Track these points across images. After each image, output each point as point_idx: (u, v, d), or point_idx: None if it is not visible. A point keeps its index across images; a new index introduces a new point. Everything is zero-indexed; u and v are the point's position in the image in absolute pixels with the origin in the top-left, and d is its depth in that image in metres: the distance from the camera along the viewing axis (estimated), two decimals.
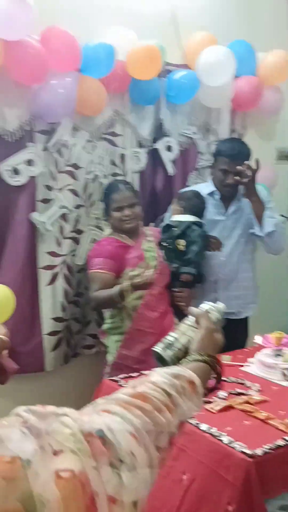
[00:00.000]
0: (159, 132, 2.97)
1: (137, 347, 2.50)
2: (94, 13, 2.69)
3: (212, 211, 2.79)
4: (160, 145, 2.96)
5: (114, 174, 2.83)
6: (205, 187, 2.84)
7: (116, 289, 2.34)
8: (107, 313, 2.59)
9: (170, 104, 2.97)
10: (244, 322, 2.93)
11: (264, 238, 2.70)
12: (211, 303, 1.25)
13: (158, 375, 0.91)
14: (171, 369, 0.96)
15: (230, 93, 3.07)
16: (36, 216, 2.55)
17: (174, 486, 1.73)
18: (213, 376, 1.08)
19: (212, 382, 1.08)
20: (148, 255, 2.56)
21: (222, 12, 3.20)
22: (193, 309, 1.21)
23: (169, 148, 3.00)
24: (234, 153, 2.66)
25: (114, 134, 2.81)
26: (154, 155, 2.97)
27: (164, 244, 2.63)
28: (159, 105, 2.93)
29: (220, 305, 1.25)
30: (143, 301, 2.51)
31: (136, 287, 2.31)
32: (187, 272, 2.60)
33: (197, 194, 2.72)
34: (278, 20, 3.46)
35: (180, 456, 1.74)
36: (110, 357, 2.55)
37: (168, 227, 2.65)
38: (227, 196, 2.78)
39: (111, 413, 0.74)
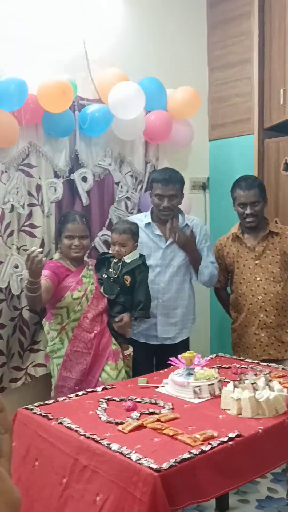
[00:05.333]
0: (75, 163, 3.06)
1: (76, 368, 2.66)
2: (7, 48, 2.77)
3: (151, 241, 2.98)
4: (75, 176, 3.05)
5: (31, 204, 2.88)
6: (143, 218, 3.04)
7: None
8: (48, 335, 2.72)
9: (85, 136, 3.07)
10: (181, 346, 3.04)
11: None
12: None
13: None
14: None
15: (142, 126, 3.22)
16: None
17: (88, 508, 1.74)
18: None
19: None
20: (85, 280, 2.74)
21: (132, 51, 3.37)
22: None
23: (84, 179, 3.09)
24: (165, 177, 2.91)
25: (29, 165, 2.87)
26: (70, 186, 3.05)
27: (105, 275, 2.82)
28: (74, 137, 3.03)
29: None
30: (78, 323, 2.68)
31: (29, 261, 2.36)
32: (142, 316, 2.85)
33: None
34: (185, 58, 3.69)
35: (93, 478, 1.77)
36: (54, 381, 2.70)
37: (105, 260, 2.87)
38: (165, 220, 2.95)
39: None
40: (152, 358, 3.11)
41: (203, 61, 3.86)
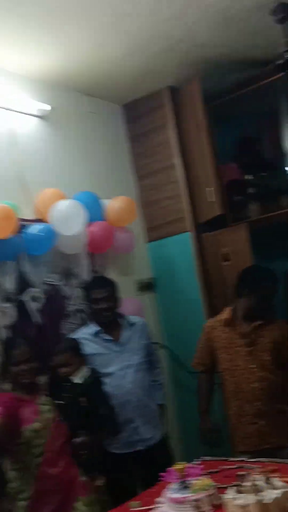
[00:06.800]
0: (23, 283, 3.01)
1: (44, 510, 2.37)
2: None
3: (103, 348, 2.95)
4: (25, 297, 2.99)
5: None
6: (88, 330, 3.02)
7: None
8: (10, 474, 2.43)
9: (31, 256, 3.05)
10: (164, 445, 2.97)
11: None
12: None
13: None
14: None
15: (84, 238, 3.27)
16: None
17: None
18: None
19: None
20: (44, 408, 2.54)
21: (64, 170, 3.51)
22: None
23: (34, 298, 3.04)
24: (97, 282, 3.13)
25: None
26: (21, 307, 2.98)
27: (60, 401, 2.61)
28: (20, 259, 3.00)
29: None
30: (43, 458, 2.42)
31: None
32: (112, 430, 2.76)
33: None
34: (114, 170, 3.91)
35: None
36: None
37: (57, 384, 2.67)
38: (108, 322, 3.00)
39: None
40: (132, 473, 2.93)
41: (131, 171, 4.08)
